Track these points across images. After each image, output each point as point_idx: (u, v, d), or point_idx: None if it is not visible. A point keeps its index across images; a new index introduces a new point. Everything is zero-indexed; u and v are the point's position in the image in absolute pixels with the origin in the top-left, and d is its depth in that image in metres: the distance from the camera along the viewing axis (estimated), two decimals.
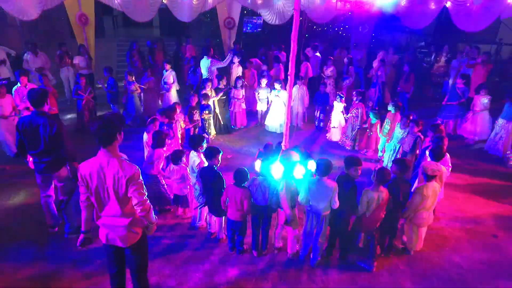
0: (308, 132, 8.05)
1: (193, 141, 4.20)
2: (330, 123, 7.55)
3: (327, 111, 7.76)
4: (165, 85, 7.95)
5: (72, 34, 9.83)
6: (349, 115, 6.96)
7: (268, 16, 11.70)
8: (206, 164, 4.10)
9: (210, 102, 6.85)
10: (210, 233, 4.41)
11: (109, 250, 2.89)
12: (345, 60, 9.60)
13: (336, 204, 3.54)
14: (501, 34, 13.13)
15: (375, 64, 9.23)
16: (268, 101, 7.95)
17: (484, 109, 7.09)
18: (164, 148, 4.60)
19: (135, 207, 2.66)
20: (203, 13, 11.39)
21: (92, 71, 9.48)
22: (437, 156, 3.91)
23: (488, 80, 8.64)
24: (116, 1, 9.31)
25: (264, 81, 7.88)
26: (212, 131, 7.17)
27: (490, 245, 4.42)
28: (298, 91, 7.72)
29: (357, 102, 6.77)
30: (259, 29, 12.64)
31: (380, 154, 6.49)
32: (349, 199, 3.61)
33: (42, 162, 3.89)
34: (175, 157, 4.47)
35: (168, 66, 7.95)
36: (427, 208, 3.85)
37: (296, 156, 4.10)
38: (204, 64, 7.76)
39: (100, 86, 8.13)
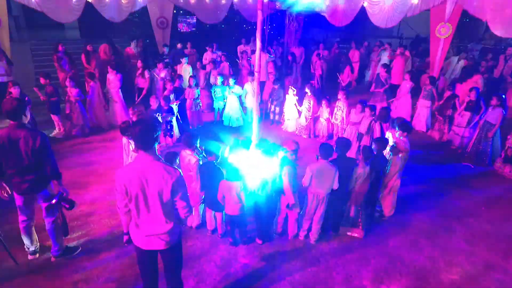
0: (264, 125, 8.44)
1: (188, 139, 4.20)
2: (284, 115, 8.08)
3: (281, 105, 8.26)
4: (111, 90, 7.48)
5: None
6: (302, 107, 7.56)
7: (202, 16, 11.78)
8: (201, 161, 4.19)
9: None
10: (208, 230, 4.48)
11: (145, 256, 2.82)
12: (289, 57, 10.26)
13: (337, 184, 3.99)
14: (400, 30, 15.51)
15: (314, 59, 10.07)
16: (224, 98, 8.13)
17: (406, 94, 8.40)
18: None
19: (181, 209, 2.67)
20: (132, 12, 10.87)
21: (11, 77, 8.34)
22: (407, 129, 4.64)
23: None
24: (33, 0, 8.37)
25: (219, 79, 8.02)
26: (176, 133, 7.05)
27: (439, 201, 5.42)
28: (251, 87, 8.04)
29: (309, 94, 7.40)
30: (193, 29, 12.55)
31: (335, 138, 7.24)
32: (345, 178, 4.09)
33: (25, 181, 3.47)
34: (168, 159, 4.40)
35: (113, 71, 7.49)
36: (397, 175, 4.59)
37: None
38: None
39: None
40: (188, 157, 4.21)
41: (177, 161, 4.41)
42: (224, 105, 8.13)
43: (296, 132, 7.85)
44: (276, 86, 8.07)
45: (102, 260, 3.99)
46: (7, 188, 3.66)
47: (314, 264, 4.04)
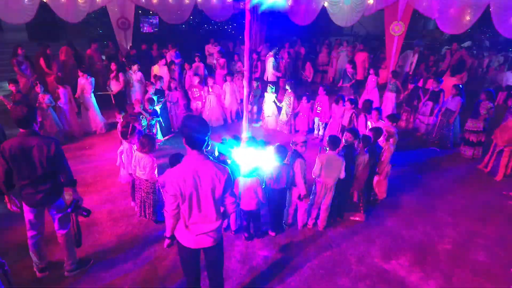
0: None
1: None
2: (263, 113, 8.28)
3: (259, 103, 8.44)
4: (86, 96, 7.09)
5: None
6: (282, 103, 7.83)
7: (165, 16, 11.51)
8: None
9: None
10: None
11: (192, 255, 2.85)
12: (254, 55, 10.45)
13: (344, 174, 4.28)
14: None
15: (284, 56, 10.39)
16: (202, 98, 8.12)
17: (374, 87, 9.07)
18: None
19: (230, 205, 2.74)
20: (91, 13, 10.30)
21: None
22: (395, 119, 5.08)
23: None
24: None
25: (196, 79, 7.98)
26: (159, 136, 6.89)
27: (418, 182, 6.01)
28: (230, 87, 8.12)
29: (289, 91, 7.69)
30: (156, 29, 12.21)
31: (316, 132, 7.63)
32: (349, 167, 4.40)
33: (39, 191, 3.26)
34: (173, 162, 4.36)
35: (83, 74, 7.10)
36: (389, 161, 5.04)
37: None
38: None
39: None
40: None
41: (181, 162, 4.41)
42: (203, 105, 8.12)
43: (278, 129, 8.10)
44: (253, 85, 8.23)
45: (119, 269, 3.87)
46: (16, 201, 3.41)
47: (328, 249, 4.31)
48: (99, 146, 7.07)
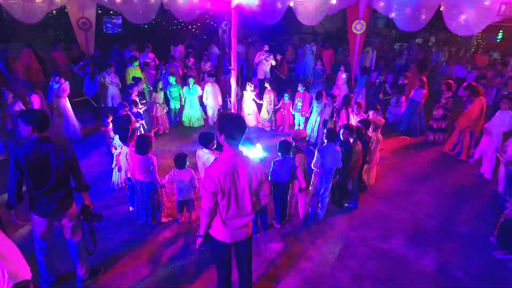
0: None
1: (205, 139, 4.24)
2: (242, 111, 8.39)
3: (238, 102, 8.53)
4: (62, 100, 6.70)
5: None
6: (263, 101, 8.01)
7: (130, 15, 11.12)
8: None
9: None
10: None
11: (226, 250, 2.92)
12: (227, 55, 10.51)
13: (341, 164, 4.57)
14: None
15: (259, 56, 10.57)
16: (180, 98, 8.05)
17: (344, 83, 9.58)
18: None
19: (264, 197, 2.85)
20: (50, 13, 9.68)
21: None
22: (378, 110, 5.48)
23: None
24: None
25: (172, 79, 7.88)
26: None
27: (397, 168, 6.53)
28: (212, 88, 8.12)
29: (269, 89, 7.89)
30: (119, 30, 11.74)
31: (296, 127, 7.91)
32: (346, 157, 4.69)
33: (53, 200, 3.12)
34: (180, 162, 4.37)
35: (57, 78, 6.69)
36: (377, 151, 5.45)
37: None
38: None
39: None
40: (206, 155, 4.26)
41: (187, 162, 4.43)
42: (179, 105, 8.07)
43: (259, 126, 8.26)
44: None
45: (133, 275, 3.80)
46: (22, 216, 3.23)
47: (331, 235, 4.57)
48: (77, 153, 6.71)
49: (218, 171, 2.58)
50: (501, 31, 16.65)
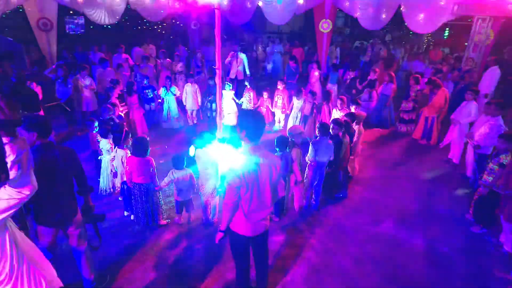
0: (205, 124, 8.59)
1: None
2: (222, 111, 8.42)
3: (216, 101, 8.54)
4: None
5: None
6: (243, 99, 8.10)
7: (95, 15, 10.66)
8: None
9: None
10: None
11: (247, 244, 3.01)
12: (198, 55, 10.45)
13: (333, 156, 4.81)
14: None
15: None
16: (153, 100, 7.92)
17: (317, 80, 9.94)
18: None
19: (281, 190, 2.98)
20: (5, 13, 8.99)
21: None
22: (359, 104, 5.83)
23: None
24: None
25: (145, 81, 7.74)
26: None
27: (375, 158, 6.95)
28: (192, 88, 8.06)
29: (248, 87, 7.99)
30: (82, 30, 11.20)
31: (276, 124, 8.11)
32: (337, 150, 4.94)
33: (59, 208, 3.00)
34: (178, 162, 4.36)
35: (28, 82, 6.28)
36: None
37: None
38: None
39: None
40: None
41: (185, 162, 4.42)
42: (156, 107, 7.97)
43: None
44: (211, 83, 8.31)
45: (142, 278, 3.75)
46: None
47: (328, 225, 4.80)
48: None
49: (242, 167, 2.67)
50: (447, 28, 18.12)
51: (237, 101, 8.27)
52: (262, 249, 3.18)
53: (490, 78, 8.49)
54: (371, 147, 7.50)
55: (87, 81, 7.22)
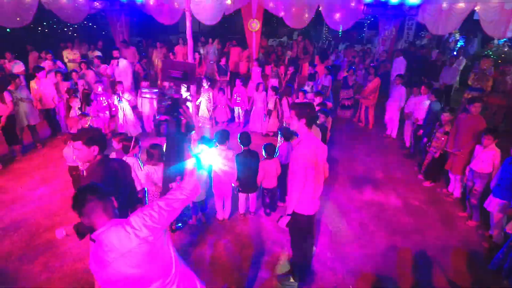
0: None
1: (221, 136, 4.41)
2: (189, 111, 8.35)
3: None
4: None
5: None
6: (201, 99, 8.19)
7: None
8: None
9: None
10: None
11: (311, 221, 3.42)
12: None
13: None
14: None
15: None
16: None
17: (259, 77, 10.53)
18: None
19: (327, 170, 3.46)
20: None
21: None
22: (320, 95, 6.65)
23: None
24: None
25: (98, 87, 7.23)
26: None
27: (332, 141, 7.94)
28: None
29: (206, 87, 8.10)
30: None
31: (237, 120, 8.45)
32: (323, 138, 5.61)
33: None
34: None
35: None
36: None
37: None
38: None
39: None
40: (224, 152, 4.46)
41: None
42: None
43: (200, 125, 8.39)
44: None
45: None
46: None
47: (326, 200, 5.46)
48: (11, 187, 5.56)
49: (307, 149, 3.09)
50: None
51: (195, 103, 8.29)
52: (313, 224, 3.63)
53: (399, 66, 10.41)
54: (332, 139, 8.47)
55: (24, 93, 6.32)
